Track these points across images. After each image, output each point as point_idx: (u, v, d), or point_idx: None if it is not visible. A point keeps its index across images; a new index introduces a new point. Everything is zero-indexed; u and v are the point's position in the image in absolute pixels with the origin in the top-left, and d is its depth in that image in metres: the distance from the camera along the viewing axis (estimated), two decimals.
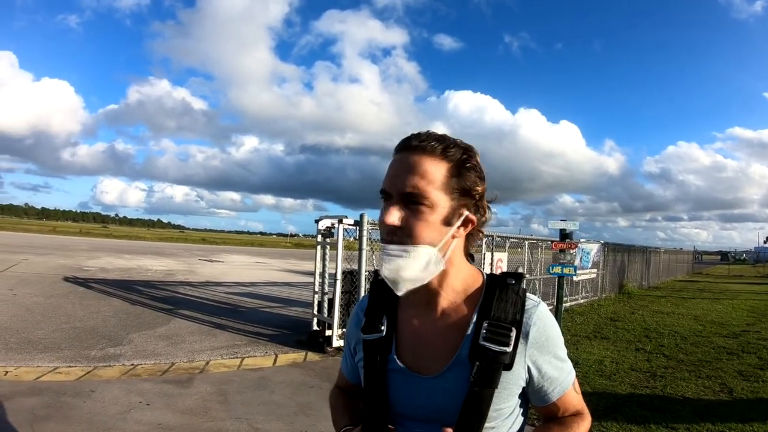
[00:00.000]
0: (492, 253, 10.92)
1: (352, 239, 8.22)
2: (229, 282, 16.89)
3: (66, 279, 14.39)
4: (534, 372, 1.17)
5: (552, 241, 10.04)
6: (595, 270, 15.54)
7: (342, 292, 8.05)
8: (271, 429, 4.64)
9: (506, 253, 11.81)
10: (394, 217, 1.08)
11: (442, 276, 1.16)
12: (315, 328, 8.40)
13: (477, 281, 1.22)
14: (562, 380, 1.21)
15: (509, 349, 1.12)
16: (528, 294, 1.20)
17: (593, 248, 15.22)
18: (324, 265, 8.62)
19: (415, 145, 1.12)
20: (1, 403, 4.71)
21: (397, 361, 1.20)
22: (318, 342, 7.85)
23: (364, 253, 7.80)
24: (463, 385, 1.12)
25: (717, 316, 13.54)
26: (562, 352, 1.22)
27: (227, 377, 6.14)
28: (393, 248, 1.09)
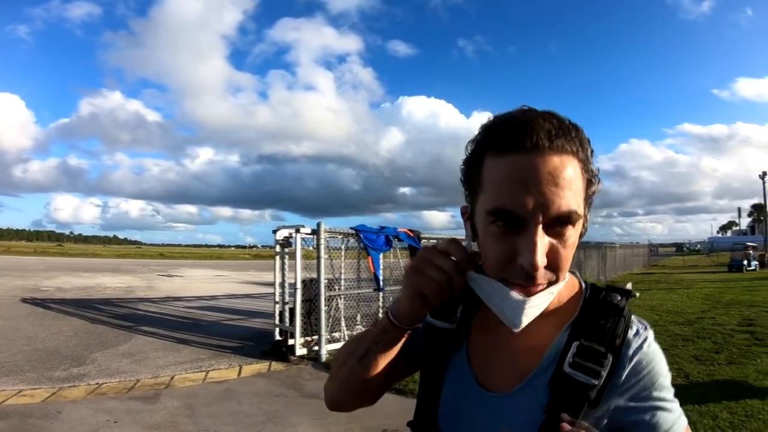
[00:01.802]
0: None
1: (311, 248, 8.31)
2: (190, 296, 16.70)
3: (24, 300, 14.02)
4: (621, 416, 0.87)
5: None
6: None
7: (302, 301, 8.14)
8: None
9: None
10: (543, 256, 0.77)
11: None
12: (278, 338, 8.46)
13: (573, 290, 0.95)
14: (667, 426, 0.85)
15: (599, 382, 0.84)
16: (634, 317, 0.92)
17: None
18: (283, 275, 8.68)
19: (550, 143, 0.77)
20: None
21: (465, 364, 0.98)
22: (281, 351, 7.91)
23: (322, 261, 7.93)
24: (534, 413, 0.87)
25: (673, 305, 14.19)
26: (668, 393, 0.89)
27: (193, 391, 6.17)
28: (537, 299, 0.80)
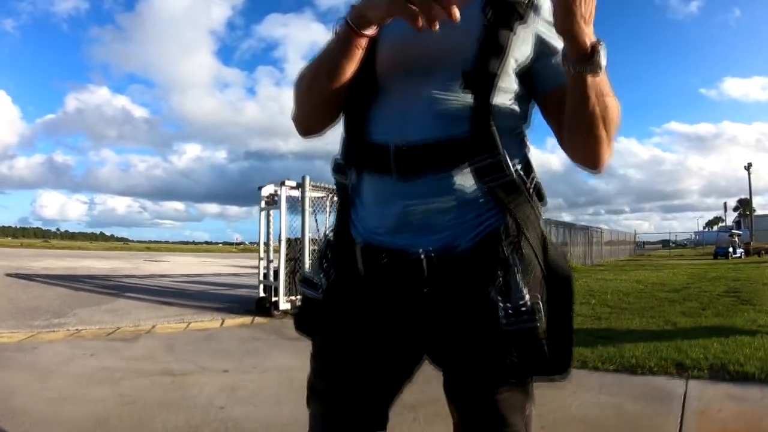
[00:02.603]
0: None
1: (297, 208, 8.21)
2: (176, 274, 16.53)
3: (8, 275, 13.79)
4: (544, 46, 1.03)
5: None
6: None
7: (287, 260, 8.05)
8: (218, 366, 4.62)
9: None
10: None
11: None
12: (262, 294, 8.34)
13: None
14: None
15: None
16: None
17: None
18: (268, 233, 8.58)
19: None
20: None
21: None
22: (265, 308, 7.80)
23: (307, 215, 7.84)
24: (475, 25, 0.98)
25: (658, 279, 14.22)
26: None
27: (174, 336, 6.07)
28: None
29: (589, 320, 6.93)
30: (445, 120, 0.99)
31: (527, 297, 0.96)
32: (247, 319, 7.34)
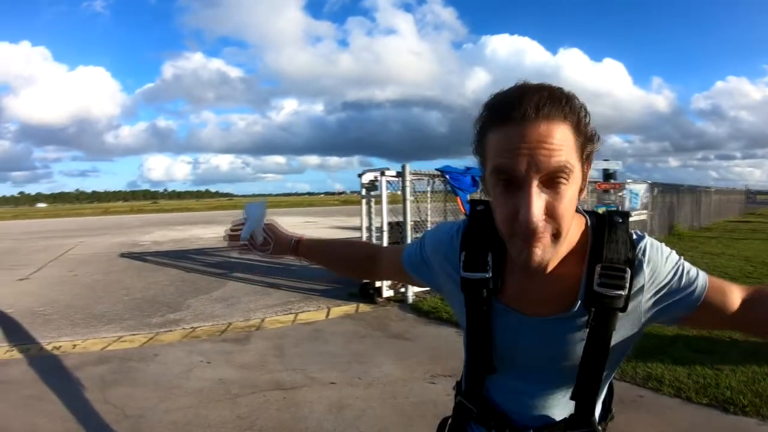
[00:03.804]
0: None
1: (397, 192, 8.33)
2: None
3: (122, 255, 15.06)
4: (656, 301, 1.10)
5: (596, 182, 9.85)
6: (645, 211, 15.00)
7: (389, 244, 8.20)
8: (325, 377, 4.89)
9: None
10: (539, 211, 0.93)
11: None
12: (365, 280, 8.60)
13: (582, 226, 1.12)
14: (695, 281, 1.11)
15: (624, 293, 1.05)
16: (632, 231, 1.13)
17: (641, 189, 14.73)
18: (370, 219, 8.79)
19: (539, 113, 0.93)
20: (72, 373, 5.12)
21: (505, 305, 1.14)
22: (368, 293, 8.06)
23: (408, 203, 7.94)
24: (579, 331, 1.10)
25: None
26: (679, 261, 1.13)
27: (282, 332, 6.46)
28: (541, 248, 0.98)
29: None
30: (552, 410, 1.20)
31: None
32: (351, 307, 7.64)
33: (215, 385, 4.75)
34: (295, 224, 28.29)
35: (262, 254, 1.65)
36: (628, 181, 13.64)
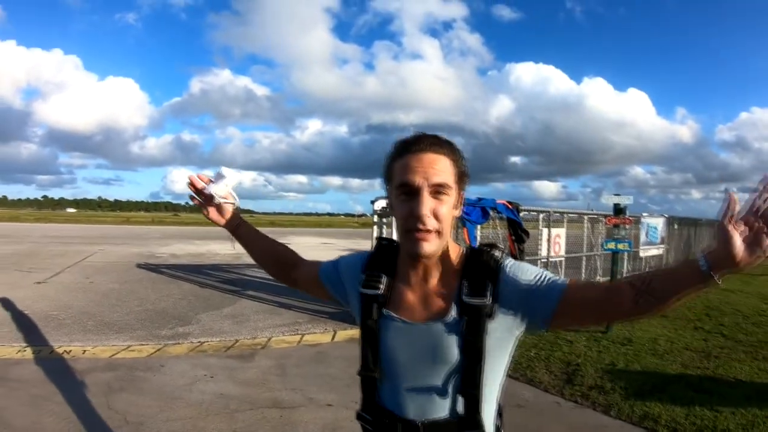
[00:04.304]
0: (549, 229, 10.88)
1: None
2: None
3: (139, 266, 15.40)
4: (521, 305, 1.36)
5: (607, 217, 9.88)
6: (663, 246, 14.92)
7: None
8: (323, 399, 5.06)
9: (564, 229, 11.72)
10: (429, 208, 1.30)
11: (443, 250, 1.42)
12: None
13: (459, 251, 1.47)
14: (555, 280, 1.38)
15: (487, 301, 1.35)
16: (497, 253, 1.43)
17: (659, 222, 14.70)
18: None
19: (431, 145, 1.37)
20: (80, 378, 5.37)
21: (393, 313, 1.42)
22: None
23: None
24: (455, 335, 1.35)
25: None
26: (544, 273, 1.41)
27: (287, 352, 6.65)
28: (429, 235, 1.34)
29: (696, 358, 6.52)
30: (439, 408, 1.40)
31: None
32: (358, 331, 7.76)
33: (216, 399, 4.95)
34: (311, 245, 28.56)
35: (205, 212, 1.80)
36: (644, 214, 13.60)
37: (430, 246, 1.33)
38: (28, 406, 4.64)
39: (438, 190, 1.33)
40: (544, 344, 6.92)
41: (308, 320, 8.50)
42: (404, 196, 1.35)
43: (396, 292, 1.46)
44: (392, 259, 1.50)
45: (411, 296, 1.44)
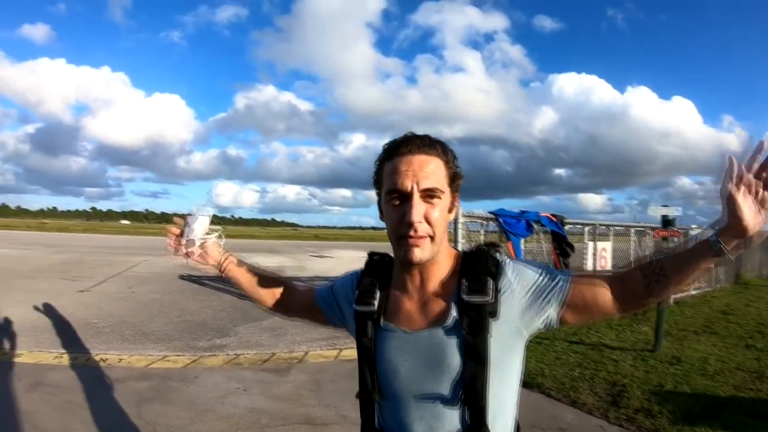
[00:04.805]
0: (595, 243, 10.61)
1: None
2: (336, 276, 17.43)
3: (181, 277, 15.58)
4: (528, 302, 1.31)
5: (654, 230, 9.58)
6: None
7: None
8: (357, 417, 4.89)
9: (611, 243, 11.43)
10: (420, 214, 1.26)
11: (438, 255, 1.35)
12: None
13: (454, 254, 1.43)
14: (560, 274, 1.34)
15: (489, 298, 1.28)
16: (497, 254, 1.38)
17: None
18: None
19: (420, 146, 1.32)
20: (113, 386, 5.39)
21: (389, 326, 1.38)
22: None
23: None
24: (456, 338, 1.29)
25: None
26: (546, 268, 1.37)
27: (324, 367, 6.56)
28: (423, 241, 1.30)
29: (749, 379, 6.08)
30: (451, 423, 1.31)
31: None
32: None
33: (247, 413, 4.88)
34: (354, 258, 28.54)
35: (190, 259, 1.70)
36: (693, 227, 13.19)
37: (423, 252, 1.29)
38: (60, 412, 4.68)
39: (429, 194, 1.29)
40: (588, 363, 6.64)
41: (346, 335, 8.28)
42: (395, 202, 1.32)
43: (393, 303, 1.42)
44: (386, 271, 1.47)
45: (409, 305, 1.39)
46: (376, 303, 1.42)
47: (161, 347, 7.18)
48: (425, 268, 1.35)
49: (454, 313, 1.30)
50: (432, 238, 1.29)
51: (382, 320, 1.40)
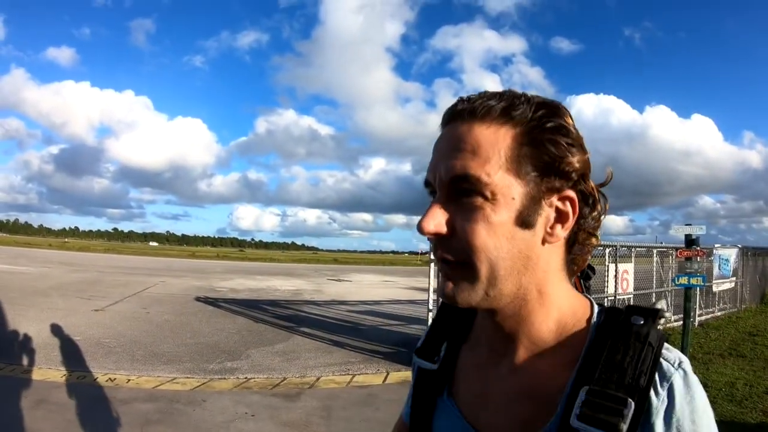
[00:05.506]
0: (616, 265, 10.41)
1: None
2: (354, 300, 17.44)
3: (197, 299, 15.63)
4: None
5: (677, 250, 9.43)
6: (735, 278, 14.26)
7: None
8: None
9: (632, 264, 11.29)
10: (433, 221, 0.76)
11: (524, 309, 0.79)
12: None
13: (581, 317, 0.80)
14: None
15: None
16: (667, 346, 0.74)
17: (732, 254, 14.00)
18: (438, 281, 8.72)
19: (461, 110, 0.77)
20: (118, 406, 5.34)
21: (453, 408, 0.88)
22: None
23: None
24: None
25: None
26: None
27: (335, 393, 6.44)
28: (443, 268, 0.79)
29: None
30: None
31: None
32: (410, 374, 7.50)
33: None
34: (373, 282, 28.47)
35: None
36: (717, 246, 12.97)
37: (457, 292, 0.76)
38: (61, 431, 4.62)
39: (459, 189, 0.74)
40: None
41: (361, 360, 8.28)
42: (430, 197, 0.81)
43: (462, 368, 0.91)
44: (467, 317, 0.94)
45: (483, 382, 0.85)
46: (438, 362, 0.94)
47: (171, 369, 7.14)
48: (509, 319, 0.80)
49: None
50: (467, 267, 0.74)
51: (446, 391, 0.91)
